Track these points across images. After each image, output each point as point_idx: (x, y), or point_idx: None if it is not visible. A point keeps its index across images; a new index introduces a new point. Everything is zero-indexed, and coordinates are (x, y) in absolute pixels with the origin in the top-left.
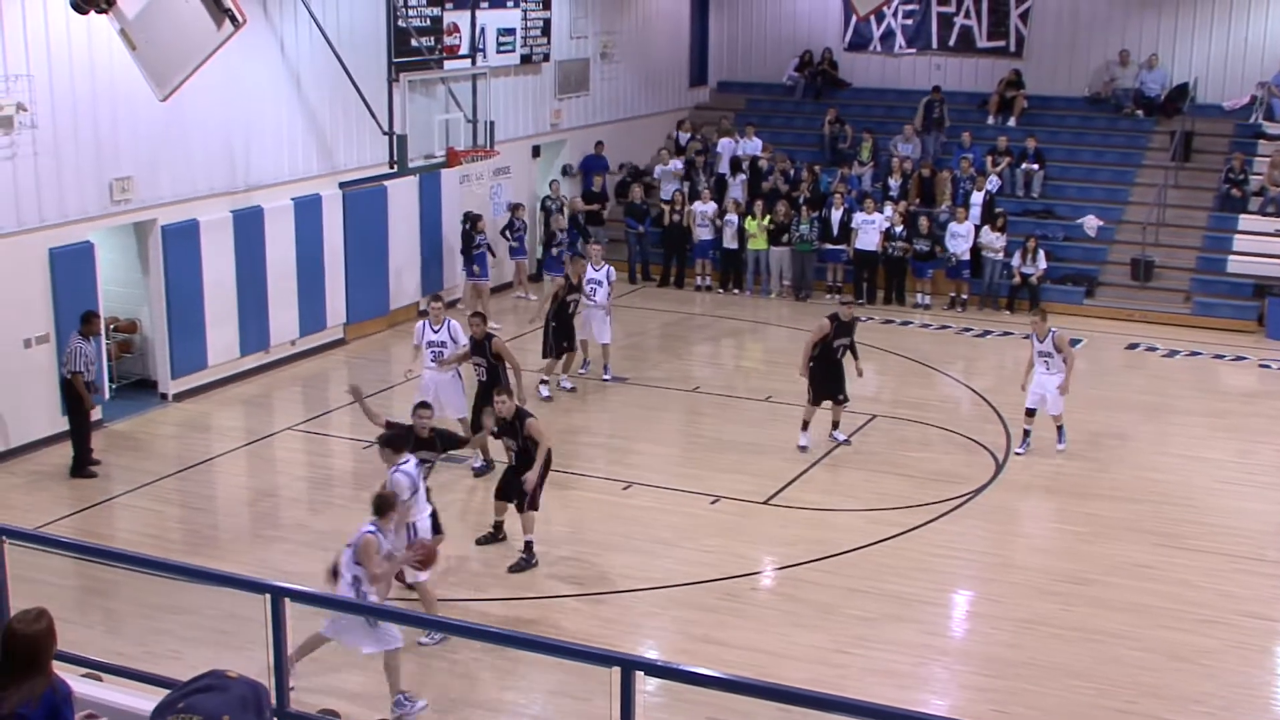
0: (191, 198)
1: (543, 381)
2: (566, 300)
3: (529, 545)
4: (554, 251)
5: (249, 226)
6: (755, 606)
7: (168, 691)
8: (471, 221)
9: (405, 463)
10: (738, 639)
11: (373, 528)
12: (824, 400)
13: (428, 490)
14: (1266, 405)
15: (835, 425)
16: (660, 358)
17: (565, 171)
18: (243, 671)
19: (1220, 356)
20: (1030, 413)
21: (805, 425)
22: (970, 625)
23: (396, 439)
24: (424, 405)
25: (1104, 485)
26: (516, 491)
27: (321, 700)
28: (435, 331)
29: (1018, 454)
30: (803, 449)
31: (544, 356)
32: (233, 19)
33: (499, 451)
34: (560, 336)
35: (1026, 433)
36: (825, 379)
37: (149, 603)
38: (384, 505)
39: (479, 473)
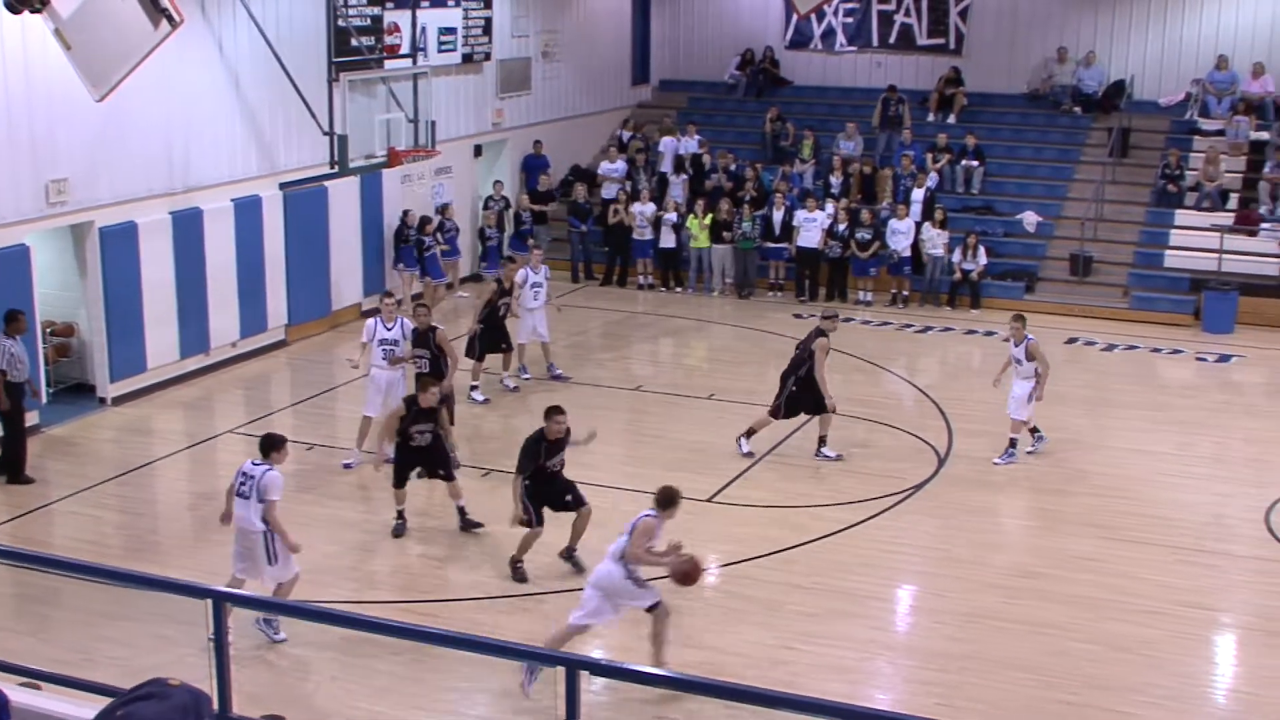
0: (129, 199)
1: (473, 386)
2: (498, 304)
3: (464, 509)
4: (491, 244)
5: (188, 228)
6: (701, 604)
7: (108, 700)
8: (420, 224)
9: (260, 463)
10: (686, 637)
11: (653, 514)
12: (799, 414)
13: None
14: (1203, 398)
15: (824, 441)
16: (603, 357)
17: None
18: (185, 679)
19: (1158, 350)
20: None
21: (753, 433)
22: (915, 619)
23: (268, 442)
24: (557, 410)
25: (1046, 479)
26: (440, 465)
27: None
28: (388, 329)
29: (1029, 453)
30: (749, 455)
31: (467, 355)
32: (170, 18)
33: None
34: (488, 339)
35: (1013, 441)
36: (811, 392)
37: (89, 609)
38: (668, 499)
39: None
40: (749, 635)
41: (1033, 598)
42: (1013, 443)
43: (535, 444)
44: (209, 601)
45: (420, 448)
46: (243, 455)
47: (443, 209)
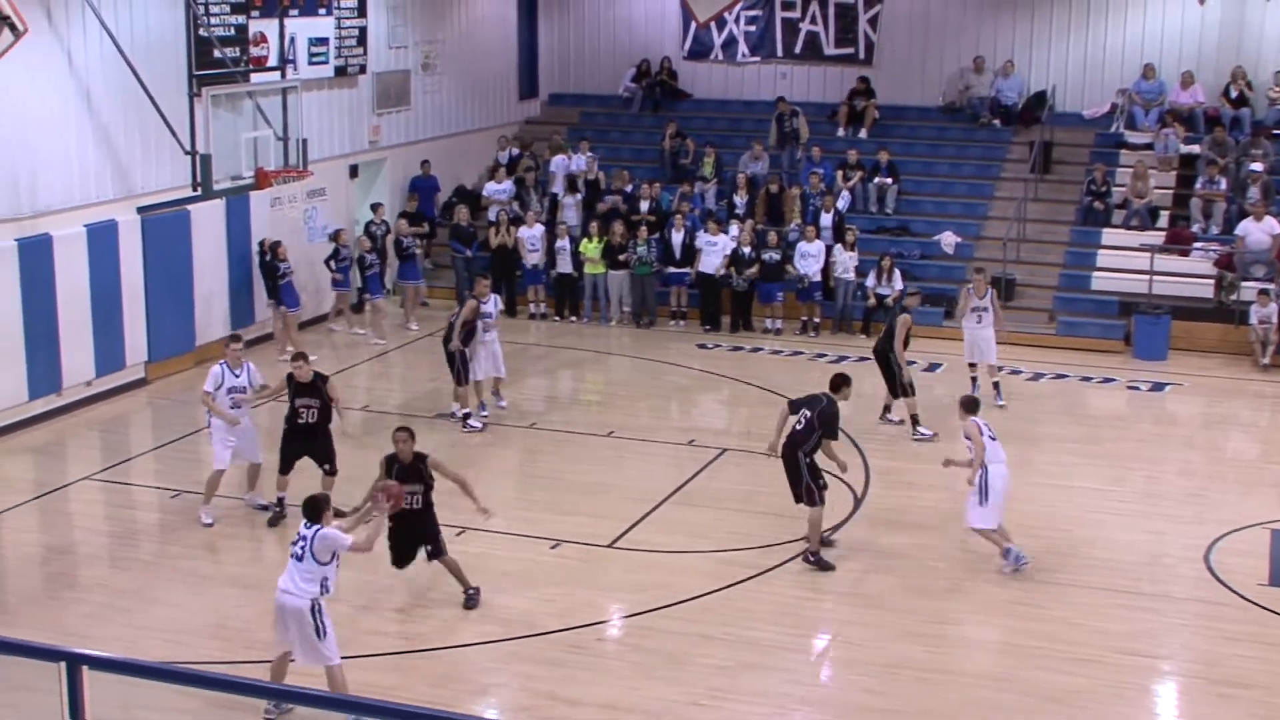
0: None
1: (467, 413)
2: (475, 324)
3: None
4: (371, 272)
5: (36, 257)
6: (602, 658)
7: None
8: (271, 250)
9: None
10: (585, 694)
11: None
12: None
13: None
14: (1136, 429)
15: (916, 421)
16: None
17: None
18: None
19: (1087, 379)
20: (973, 365)
21: (917, 419)
22: (832, 671)
23: (316, 503)
24: (846, 380)
25: None
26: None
27: None
28: (236, 375)
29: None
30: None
31: (459, 384)
32: (12, 27)
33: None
34: (467, 362)
35: (975, 380)
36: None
37: None
38: None
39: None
40: (653, 691)
41: (956, 646)
42: (996, 386)
43: (836, 417)
44: (62, 665)
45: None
46: (99, 505)
47: (336, 234)
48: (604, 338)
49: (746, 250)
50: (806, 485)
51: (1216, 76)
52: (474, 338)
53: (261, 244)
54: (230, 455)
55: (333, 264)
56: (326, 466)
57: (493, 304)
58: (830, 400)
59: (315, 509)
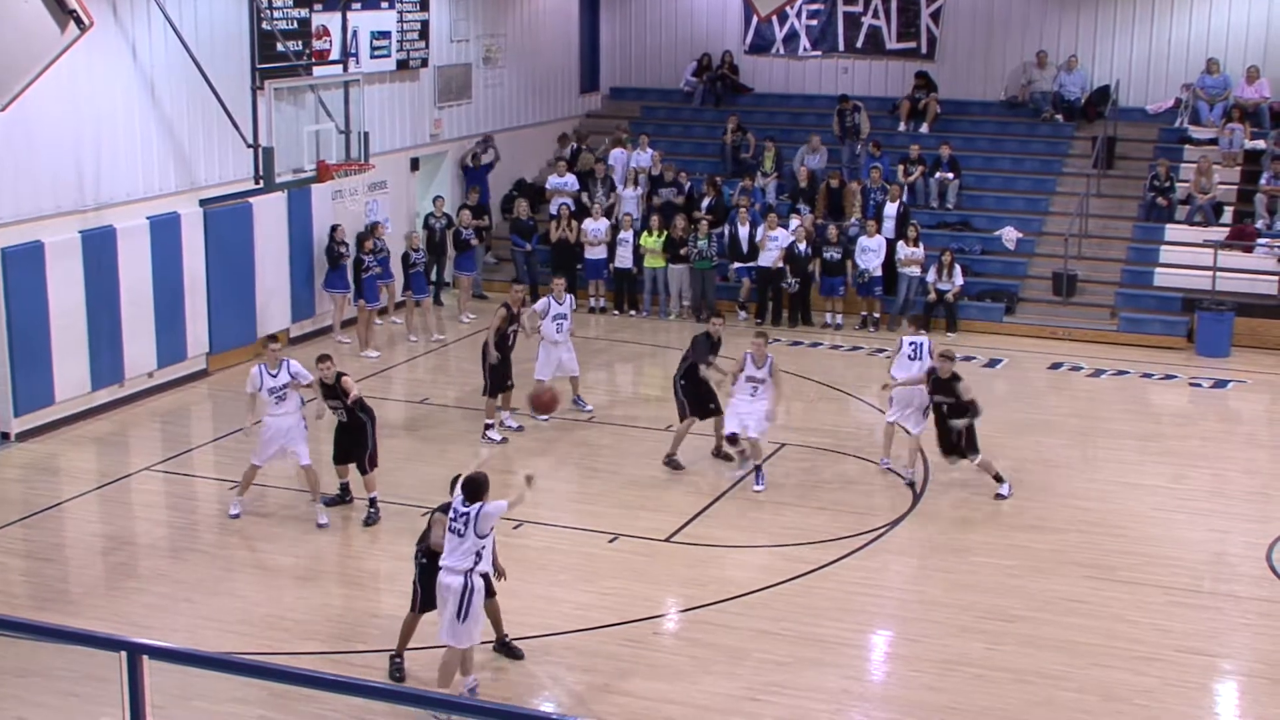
0: (35, 217)
1: (488, 425)
2: (508, 332)
3: (374, 501)
4: (415, 270)
5: (100, 248)
6: (660, 653)
7: None
8: (358, 241)
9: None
10: (642, 688)
11: None
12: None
13: None
14: (1199, 427)
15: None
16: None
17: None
18: None
19: (1149, 375)
20: (733, 438)
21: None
22: (890, 668)
23: (477, 485)
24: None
25: (1030, 515)
26: (355, 453)
27: None
28: (274, 376)
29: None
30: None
31: (485, 394)
32: (78, 21)
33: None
34: (501, 372)
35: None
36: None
37: None
38: None
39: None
40: (712, 686)
41: (1017, 643)
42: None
43: (699, 345)
44: (123, 654)
45: None
46: (160, 495)
47: (373, 228)
48: (663, 332)
49: (803, 247)
50: (679, 404)
51: None
52: (508, 343)
53: (334, 232)
54: (273, 452)
55: (369, 257)
56: (354, 465)
57: (568, 304)
58: (705, 334)
59: (476, 490)
